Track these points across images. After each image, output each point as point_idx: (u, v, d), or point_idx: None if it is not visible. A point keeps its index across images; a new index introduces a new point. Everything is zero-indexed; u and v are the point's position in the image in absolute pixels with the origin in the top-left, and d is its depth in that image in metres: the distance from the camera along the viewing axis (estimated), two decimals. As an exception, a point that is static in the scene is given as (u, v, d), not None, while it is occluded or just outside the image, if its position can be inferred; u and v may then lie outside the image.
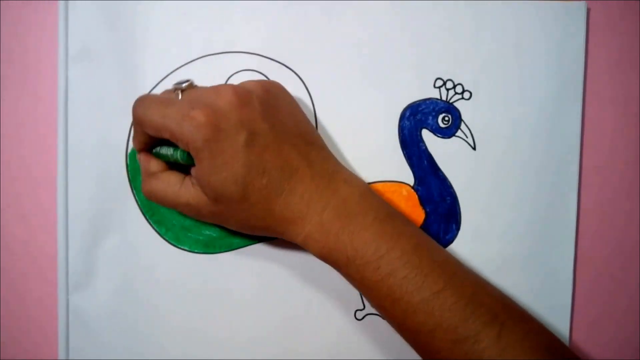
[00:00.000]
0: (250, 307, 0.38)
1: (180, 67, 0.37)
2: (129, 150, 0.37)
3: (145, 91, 0.37)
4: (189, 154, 0.31)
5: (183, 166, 0.33)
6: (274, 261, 0.38)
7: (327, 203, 0.32)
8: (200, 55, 0.37)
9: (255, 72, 0.38)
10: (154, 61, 0.37)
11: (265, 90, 0.32)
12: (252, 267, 0.38)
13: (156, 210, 0.37)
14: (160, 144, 0.34)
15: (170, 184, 0.33)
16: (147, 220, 0.37)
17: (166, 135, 0.31)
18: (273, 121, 0.31)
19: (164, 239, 0.37)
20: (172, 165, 0.34)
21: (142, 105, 0.32)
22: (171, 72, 0.37)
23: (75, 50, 0.36)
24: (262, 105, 0.31)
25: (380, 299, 0.32)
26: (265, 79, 0.37)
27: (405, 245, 0.31)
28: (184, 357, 0.38)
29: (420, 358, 0.33)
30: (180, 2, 0.37)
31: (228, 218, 0.33)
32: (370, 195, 0.33)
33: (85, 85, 0.37)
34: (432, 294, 0.30)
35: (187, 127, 0.30)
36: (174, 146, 0.32)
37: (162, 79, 0.37)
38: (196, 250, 0.38)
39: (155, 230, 0.37)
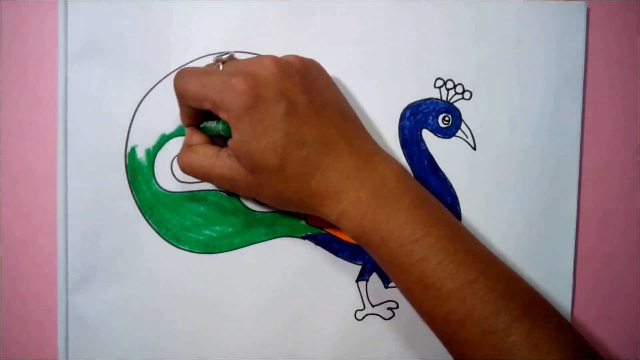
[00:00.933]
0: (250, 307, 0.38)
1: (180, 66, 0.37)
2: (129, 150, 0.37)
3: (146, 91, 0.37)
4: (228, 125, 0.31)
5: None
6: (274, 261, 0.38)
7: (364, 181, 0.31)
8: (200, 55, 0.37)
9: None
10: (154, 61, 0.37)
11: (304, 65, 0.32)
12: (252, 267, 0.38)
13: (156, 210, 0.37)
14: (207, 118, 0.34)
15: (207, 156, 0.33)
16: (146, 220, 0.37)
17: (207, 106, 0.31)
18: (313, 95, 0.31)
19: (164, 239, 0.37)
20: (216, 140, 0.34)
21: (182, 77, 0.32)
22: (171, 72, 0.37)
23: (75, 50, 0.36)
24: (302, 77, 0.31)
25: (412, 284, 0.31)
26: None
27: (441, 232, 0.31)
28: (184, 357, 0.38)
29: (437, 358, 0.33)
30: (180, 2, 0.37)
31: (263, 190, 0.32)
32: (407, 178, 0.33)
33: (85, 85, 0.37)
34: (465, 283, 0.30)
35: (228, 94, 0.30)
36: (219, 119, 0.33)
37: (162, 79, 0.37)
38: (196, 250, 0.38)
39: (155, 230, 0.37)
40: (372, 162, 0.32)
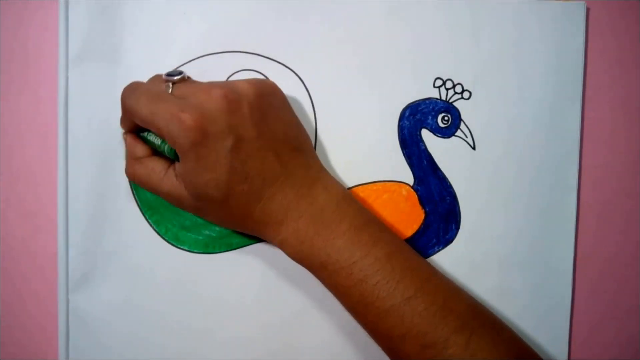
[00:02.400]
0: (249, 307, 0.38)
1: (180, 66, 0.37)
2: (129, 150, 0.37)
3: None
4: (175, 151, 0.31)
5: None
6: (274, 261, 0.38)
7: (304, 211, 0.32)
8: (200, 55, 0.37)
9: (255, 72, 0.38)
10: (154, 61, 0.37)
11: (257, 94, 0.32)
12: (252, 267, 0.38)
13: (155, 210, 0.37)
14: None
15: (155, 171, 0.33)
16: (146, 220, 0.37)
17: (153, 130, 0.31)
18: (261, 127, 0.32)
19: (164, 239, 0.37)
20: (156, 150, 0.34)
21: (132, 95, 0.32)
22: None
23: (75, 50, 0.37)
24: (251, 110, 0.31)
25: (353, 304, 0.32)
26: (261, 77, 0.37)
27: (379, 253, 0.32)
28: (183, 357, 0.38)
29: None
30: (181, 2, 0.37)
31: (208, 214, 0.33)
32: (348, 203, 0.34)
33: (85, 85, 0.37)
34: (403, 300, 0.31)
35: (175, 128, 0.30)
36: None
37: (162, 79, 0.37)
38: (196, 250, 0.38)
39: (155, 230, 0.37)
40: (313, 191, 0.33)
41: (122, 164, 0.37)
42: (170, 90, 0.32)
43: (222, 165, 0.30)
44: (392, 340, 0.32)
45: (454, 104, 0.39)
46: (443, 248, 0.39)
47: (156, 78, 0.34)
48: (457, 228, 0.39)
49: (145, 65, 0.37)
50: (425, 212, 0.39)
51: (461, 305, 0.32)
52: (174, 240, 0.38)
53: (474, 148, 0.39)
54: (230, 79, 0.37)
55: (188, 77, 0.33)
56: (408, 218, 0.39)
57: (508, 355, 0.31)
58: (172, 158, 0.33)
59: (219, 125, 0.30)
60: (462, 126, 0.39)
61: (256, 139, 0.31)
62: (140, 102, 0.31)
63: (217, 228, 0.38)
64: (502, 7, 0.39)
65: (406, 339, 0.31)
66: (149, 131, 0.34)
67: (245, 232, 0.35)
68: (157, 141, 0.33)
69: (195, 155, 0.30)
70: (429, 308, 0.31)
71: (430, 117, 0.39)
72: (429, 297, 0.31)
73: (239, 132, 0.31)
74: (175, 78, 0.32)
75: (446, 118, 0.39)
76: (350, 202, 0.34)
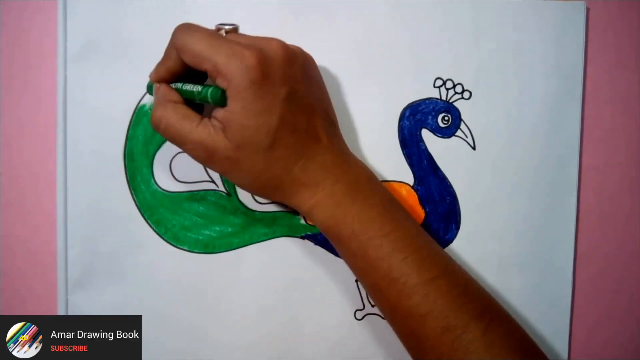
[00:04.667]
0: (249, 307, 0.38)
1: (179, 67, 0.37)
2: (127, 150, 0.37)
3: (143, 92, 0.37)
4: (222, 93, 0.30)
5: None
6: (274, 261, 0.38)
7: (340, 176, 0.33)
8: (200, 55, 0.37)
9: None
10: (154, 61, 0.37)
11: (306, 58, 0.33)
12: (252, 267, 0.38)
13: (155, 210, 0.37)
14: (181, 81, 0.33)
15: (188, 117, 0.31)
16: (146, 220, 0.37)
17: (207, 67, 0.30)
18: (309, 88, 0.33)
19: (163, 239, 0.37)
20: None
21: (187, 31, 0.31)
22: (171, 72, 0.37)
23: (74, 50, 0.36)
24: (303, 69, 0.32)
25: (378, 278, 0.32)
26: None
27: (407, 230, 0.32)
28: (183, 357, 0.38)
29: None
30: (180, 2, 0.37)
31: (242, 167, 0.31)
32: (376, 181, 0.34)
33: (84, 85, 0.37)
34: (428, 278, 0.31)
35: (237, 63, 0.29)
36: (205, 85, 0.32)
37: (162, 79, 0.37)
38: (195, 250, 0.38)
39: (155, 230, 0.37)
40: (347, 162, 0.34)
41: (121, 164, 0.37)
42: (224, 34, 0.32)
43: (275, 111, 0.30)
44: (411, 319, 0.31)
45: (454, 104, 0.39)
46: (443, 248, 0.39)
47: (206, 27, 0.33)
48: (457, 228, 0.39)
49: (145, 65, 0.37)
50: (426, 212, 0.39)
51: (479, 293, 0.33)
52: (174, 240, 0.38)
53: (474, 148, 0.39)
54: None
55: (239, 32, 0.33)
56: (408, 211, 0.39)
57: (518, 345, 0.31)
58: (216, 102, 0.31)
59: (278, 72, 0.30)
60: (462, 126, 0.39)
61: (306, 96, 0.32)
62: (198, 37, 0.31)
63: (217, 228, 0.38)
64: (502, 7, 0.39)
65: (427, 319, 0.31)
66: (183, 83, 0.32)
67: (271, 197, 0.34)
68: (197, 88, 0.32)
69: (253, 95, 0.30)
70: (452, 290, 0.31)
71: (430, 117, 0.39)
72: (452, 279, 0.32)
73: (293, 84, 0.31)
74: (227, 27, 0.32)
75: (446, 118, 0.39)
76: (378, 180, 0.35)
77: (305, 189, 0.32)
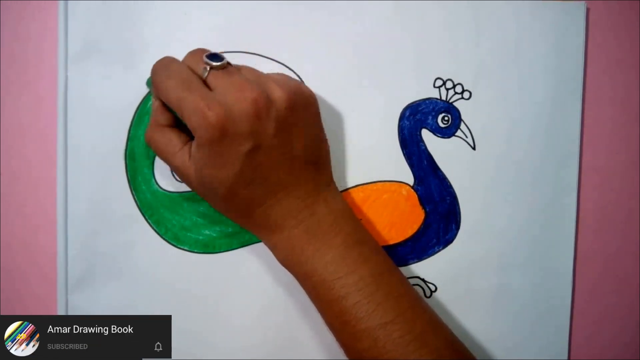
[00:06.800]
0: (249, 306, 0.38)
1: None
2: (128, 150, 0.37)
3: (144, 92, 0.37)
4: None
5: None
6: (274, 261, 0.38)
7: (301, 221, 0.33)
8: (200, 55, 0.37)
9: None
10: (154, 61, 0.37)
11: (288, 107, 0.31)
12: (252, 267, 0.38)
13: (155, 210, 0.37)
14: None
15: (172, 143, 0.33)
16: (146, 220, 0.37)
17: (177, 114, 0.32)
18: (282, 138, 0.31)
19: (164, 239, 0.37)
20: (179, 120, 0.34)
21: (164, 72, 0.32)
22: (171, 72, 0.37)
23: (75, 50, 0.36)
24: (277, 121, 0.31)
25: (331, 319, 0.33)
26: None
27: (365, 272, 0.32)
28: (183, 357, 0.38)
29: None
30: (180, 2, 0.37)
31: (210, 201, 0.34)
32: (346, 219, 0.34)
33: (85, 85, 0.37)
34: (379, 324, 0.31)
35: (198, 121, 0.30)
36: None
37: (162, 79, 0.37)
38: (196, 250, 0.38)
39: (155, 230, 0.37)
40: (314, 205, 0.33)
41: (121, 164, 0.37)
42: (205, 74, 0.31)
43: (232, 167, 0.31)
44: None
45: (454, 104, 0.39)
46: (443, 248, 0.39)
47: (196, 54, 0.33)
48: (457, 228, 0.39)
49: (146, 64, 0.37)
50: (426, 212, 0.39)
51: (439, 340, 0.32)
52: (174, 240, 0.38)
53: (474, 148, 0.39)
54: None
55: (228, 64, 0.32)
56: (408, 218, 0.39)
57: None
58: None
59: (241, 128, 0.30)
60: (462, 126, 0.39)
61: (273, 149, 0.31)
62: (169, 85, 0.31)
63: (217, 228, 0.38)
64: (502, 7, 0.39)
65: None
66: None
67: (241, 226, 0.35)
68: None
69: (210, 150, 0.30)
70: (404, 337, 0.31)
71: (430, 117, 0.39)
72: (406, 325, 0.31)
73: (258, 139, 0.31)
74: (214, 64, 0.32)
75: (446, 118, 0.39)
76: (348, 218, 0.34)
77: (265, 230, 0.34)
